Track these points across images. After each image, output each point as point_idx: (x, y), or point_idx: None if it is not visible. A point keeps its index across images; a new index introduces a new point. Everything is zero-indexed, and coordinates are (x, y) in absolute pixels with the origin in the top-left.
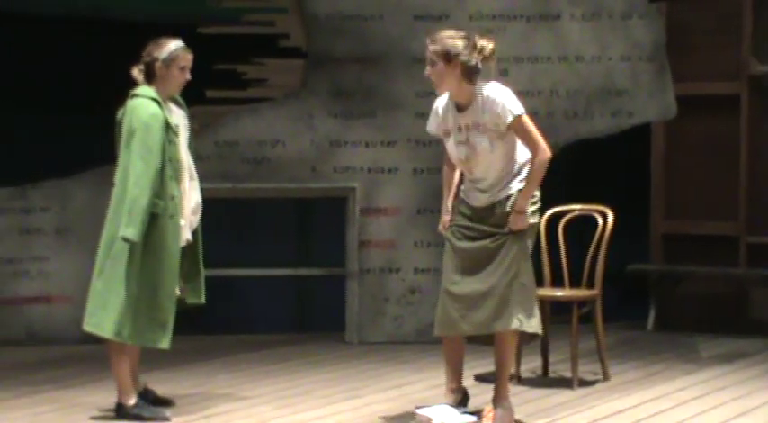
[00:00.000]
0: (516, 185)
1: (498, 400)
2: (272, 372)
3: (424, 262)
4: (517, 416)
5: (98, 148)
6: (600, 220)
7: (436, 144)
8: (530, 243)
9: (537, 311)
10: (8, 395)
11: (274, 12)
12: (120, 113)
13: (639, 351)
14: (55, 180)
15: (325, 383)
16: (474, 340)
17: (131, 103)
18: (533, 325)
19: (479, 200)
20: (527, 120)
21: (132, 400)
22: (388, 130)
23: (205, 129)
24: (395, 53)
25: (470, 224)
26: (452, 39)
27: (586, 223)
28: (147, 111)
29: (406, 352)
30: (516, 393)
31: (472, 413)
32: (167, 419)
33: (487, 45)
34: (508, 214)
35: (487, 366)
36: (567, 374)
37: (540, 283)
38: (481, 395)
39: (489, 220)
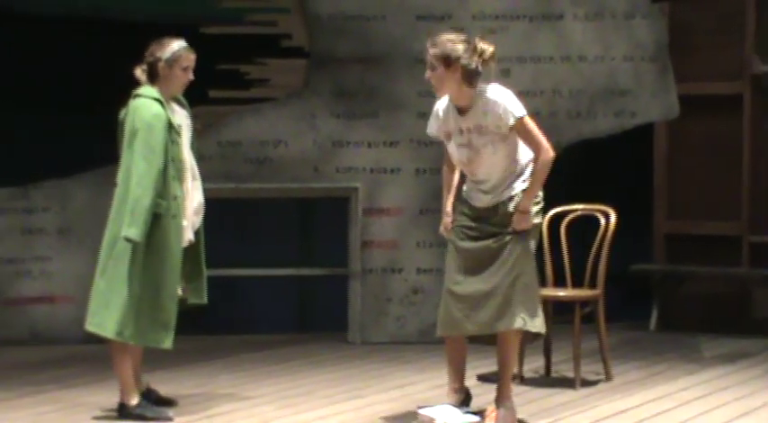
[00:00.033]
0: (519, 186)
1: (501, 400)
2: (274, 372)
3: (426, 262)
4: (520, 416)
5: (98, 148)
6: (602, 220)
7: (438, 144)
8: (533, 243)
9: (540, 311)
10: (11, 395)
11: (277, 12)
12: (122, 113)
13: (642, 351)
14: (57, 180)
15: (328, 384)
16: (476, 340)
17: (134, 103)
18: (537, 324)
19: (482, 201)
20: (529, 121)
21: (135, 400)
22: (391, 130)
23: (208, 129)
24: (397, 53)
25: (473, 224)
26: (452, 42)
27: (589, 223)
28: (149, 111)
29: (408, 352)
30: (519, 393)
31: (475, 413)
32: (170, 419)
33: (488, 48)
34: (511, 214)
35: (490, 366)
36: (570, 374)
37: (542, 283)
38: (484, 395)
39: (492, 220)
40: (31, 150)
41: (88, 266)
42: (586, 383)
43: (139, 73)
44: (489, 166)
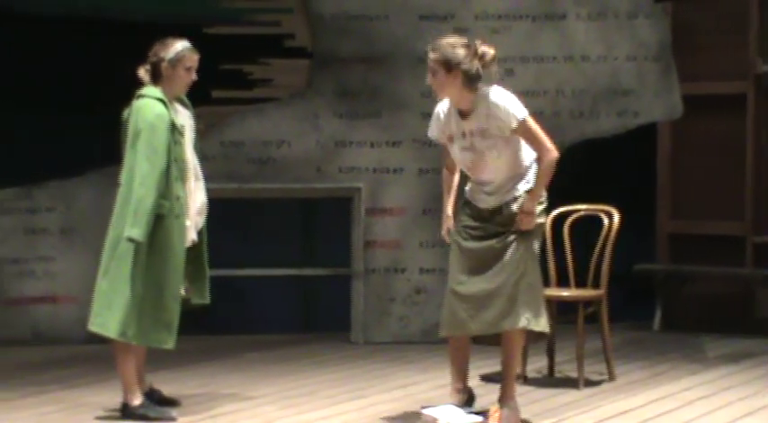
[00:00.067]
0: (523, 187)
1: (504, 399)
2: (277, 372)
3: (429, 262)
4: (523, 416)
5: (98, 148)
6: (606, 220)
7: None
8: (536, 243)
9: (544, 311)
10: (14, 395)
11: (280, 12)
12: (125, 113)
13: (645, 351)
14: (60, 180)
15: (331, 383)
16: (480, 340)
17: (137, 104)
18: (541, 324)
19: (486, 202)
20: (531, 122)
21: (138, 401)
22: (394, 130)
23: (211, 129)
24: (400, 53)
25: (477, 224)
26: (453, 47)
27: (592, 223)
28: (152, 111)
29: (411, 352)
30: (522, 393)
31: (478, 413)
32: (173, 419)
33: (489, 51)
34: (515, 215)
35: (493, 366)
36: (573, 374)
37: (545, 283)
38: (487, 395)
39: (496, 220)
40: (32, 150)
41: (91, 267)
42: (590, 383)
43: (143, 73)
44: (493, 168)
